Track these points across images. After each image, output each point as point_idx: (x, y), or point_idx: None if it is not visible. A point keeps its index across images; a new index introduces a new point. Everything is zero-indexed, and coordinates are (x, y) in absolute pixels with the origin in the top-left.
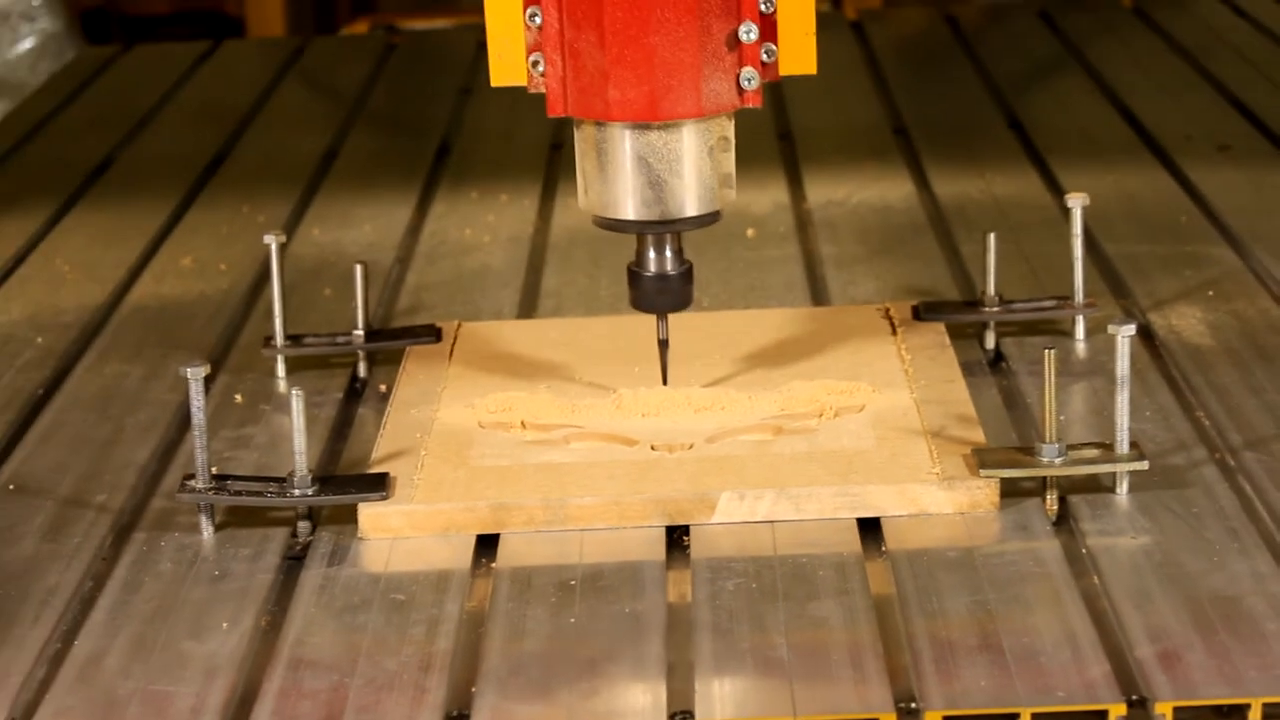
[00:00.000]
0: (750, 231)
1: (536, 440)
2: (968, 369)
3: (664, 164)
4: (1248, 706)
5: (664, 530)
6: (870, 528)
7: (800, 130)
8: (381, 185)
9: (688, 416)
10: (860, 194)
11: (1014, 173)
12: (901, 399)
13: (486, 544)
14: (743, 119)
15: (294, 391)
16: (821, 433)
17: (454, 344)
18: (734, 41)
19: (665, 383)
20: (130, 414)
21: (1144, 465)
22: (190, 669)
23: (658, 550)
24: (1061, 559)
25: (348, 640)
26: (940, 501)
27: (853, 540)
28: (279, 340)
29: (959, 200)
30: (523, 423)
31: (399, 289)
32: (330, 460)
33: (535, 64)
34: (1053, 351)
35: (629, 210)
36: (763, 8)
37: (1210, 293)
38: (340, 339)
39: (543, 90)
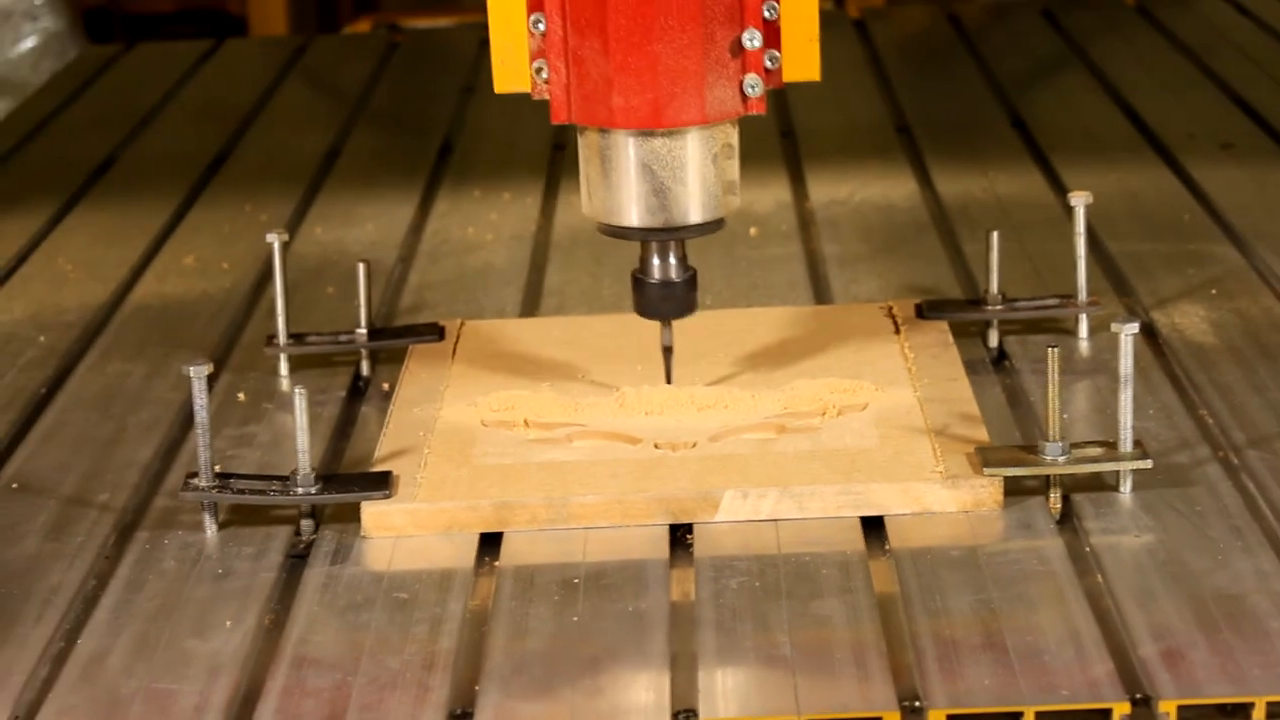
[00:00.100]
0: (753, 230)
1: (539, 439)
2: (971, 367)
3: (668, 171)
4: (1251, 705)
5: (667, 529)
6: (874, 526)
7: (803, 129)
8: (384, 184)
9: (691, 415)
10: (863, 192)
11: (1017, 171)
12: (905, 397)
13: (489, 542)
14: (745, 118)
15: (297, 390)
16: (825, 431)
17: (457, 342)
18: (737, 48)
19: (669, 383)
20: (133, 413)
21: (1147, 464)
22: (193, 667)
23: (661, 549)
24: (1065, 557)
25: (351, 639)
26: (944, 500)
27: (856, 539)
28: (282, 339)
29: (962, 199)
30: (526, 421)
31: (402, 287)
32: (333, 459)
33: (539, 71)
34: (1056, 350)
35: (633, 217)
36: (766, 14)
37: (1213, 291)
38: (343, 337)
39: (546, 97)
